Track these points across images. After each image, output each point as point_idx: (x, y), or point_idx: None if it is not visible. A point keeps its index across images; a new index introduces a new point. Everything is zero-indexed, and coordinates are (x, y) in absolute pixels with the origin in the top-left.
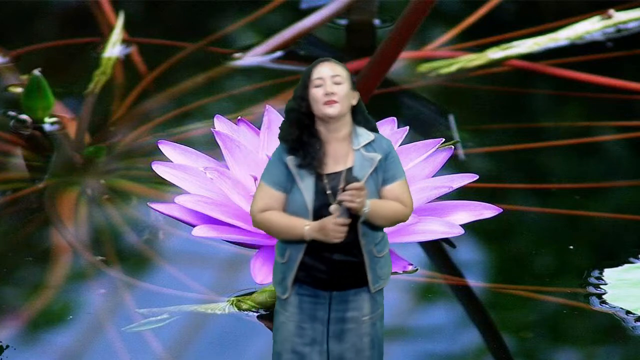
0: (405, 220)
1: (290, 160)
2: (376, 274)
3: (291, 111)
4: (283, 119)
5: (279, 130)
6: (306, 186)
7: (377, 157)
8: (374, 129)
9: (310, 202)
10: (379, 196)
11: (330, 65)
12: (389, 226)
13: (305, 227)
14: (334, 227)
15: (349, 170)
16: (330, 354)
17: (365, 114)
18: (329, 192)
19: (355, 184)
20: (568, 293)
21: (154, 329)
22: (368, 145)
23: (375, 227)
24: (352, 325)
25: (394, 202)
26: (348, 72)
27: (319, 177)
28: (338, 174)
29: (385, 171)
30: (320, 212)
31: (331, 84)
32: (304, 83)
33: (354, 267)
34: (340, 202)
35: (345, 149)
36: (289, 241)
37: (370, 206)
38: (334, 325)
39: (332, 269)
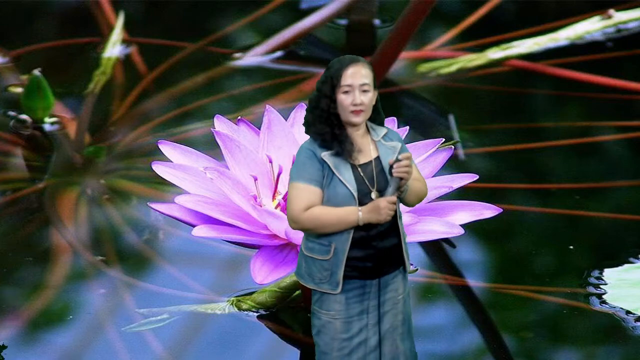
0: (424, 197)
1: (326, 154)
2: (408, 254)
3: (318, 109)
4: (307, 114)
5: (305, 127)
6: (347, 178)
7: (398, 145)
8: (381, 123)
9: (355, 191)
10: None
11: (359, 71)
12: (415, 204)
13: (359, 212)
14: (387, 204)
15: (377, 159)
16: (373, 339)
17: (379, 109)
18: (367, 182)
19: (406, 154)
20: (568, 293)
21: (154, 329)
22: (385, 136)
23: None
24: (389, 307)
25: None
26: (373, 74)
27: (354, 168)
28: (369, 163)
29: None
30: (364, 200)
31: (359, 93)
32: (332, 84)
33: (393, 251)
34: (393, 174)
35: (367, 142)
36: (332, 235)
37: (414, 180)
38: (374, 312)
39: (376, 257)
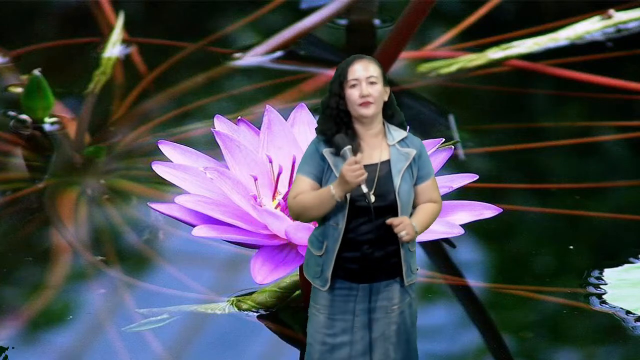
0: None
1: (327, 151)
2: (410, 268)
3: (328, 108)
4: (320, 114)
5: (316, 125)
6: None
7: (412, 152)
8: (402, 123)
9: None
10: (414, 191)
11: (365, 65)
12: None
13: (332, 188)
14: (349, 168)
15: (384, 163)
16: (360, 343)
17: (394, 107)
18: (364, 186)
19: (394, 219)
20: (568, 293)
21: (154, 329)
22: (402, 142)
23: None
24: (380, 315)
25: (428, 205)
26: (381, 69)
27: None
28: (374, 165)
29: (420, 169)
30: (357, 200)
31: (366, 85)
32: (339, 82)
33: (386, 260)
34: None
35: (379, 143)
36: (326, 232)
37: (417, 227)
38: (364, 316)
39: (366, 262)
